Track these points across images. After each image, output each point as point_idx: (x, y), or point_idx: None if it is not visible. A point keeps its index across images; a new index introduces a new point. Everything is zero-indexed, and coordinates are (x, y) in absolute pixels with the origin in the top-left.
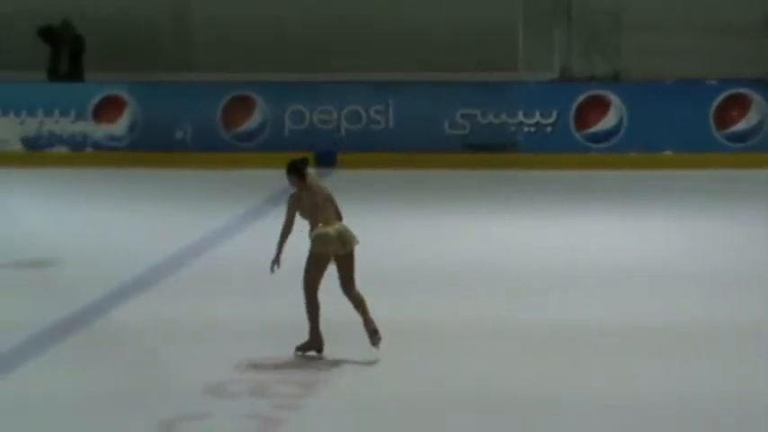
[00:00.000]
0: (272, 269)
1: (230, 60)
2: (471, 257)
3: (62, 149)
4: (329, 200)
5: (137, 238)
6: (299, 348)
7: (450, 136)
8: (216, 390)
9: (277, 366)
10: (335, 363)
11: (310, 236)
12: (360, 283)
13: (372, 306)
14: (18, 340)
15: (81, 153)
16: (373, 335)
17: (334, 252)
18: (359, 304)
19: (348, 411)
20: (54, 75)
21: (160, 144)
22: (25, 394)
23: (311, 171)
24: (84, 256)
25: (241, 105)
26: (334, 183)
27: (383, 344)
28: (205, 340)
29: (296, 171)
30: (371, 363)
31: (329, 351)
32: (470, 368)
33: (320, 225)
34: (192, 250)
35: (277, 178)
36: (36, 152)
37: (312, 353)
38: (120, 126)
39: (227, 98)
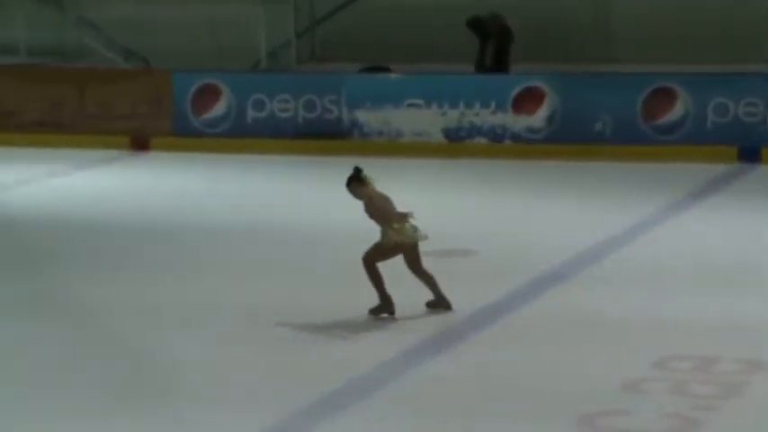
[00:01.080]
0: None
1: (652, 52)
2: None
3: (481, 141)
4: (389, 200)
5: (555, 229)
6: (371, 311)
7: None
8: (634, 386)
9: (697, 365)
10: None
11: (388, 230)
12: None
13: None
14: (444, 326)
15: (499, 145)
16: (444, 304)
17: (412, 242)
18: (429, 281)
19: None
20: (481, 67)
21: (578, 136)
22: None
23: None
24: (503, 247)
25: (663, 97)
26: (757, 179)
27: None
28: (622, 336)
29: (355, 179)
30: None
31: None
32: None
33: (395, 225)
34: (609, 243)
35: (698, 172)
36: (456, 143)
37: (384, 315)
38: (538, 118)
39: (649, 90)
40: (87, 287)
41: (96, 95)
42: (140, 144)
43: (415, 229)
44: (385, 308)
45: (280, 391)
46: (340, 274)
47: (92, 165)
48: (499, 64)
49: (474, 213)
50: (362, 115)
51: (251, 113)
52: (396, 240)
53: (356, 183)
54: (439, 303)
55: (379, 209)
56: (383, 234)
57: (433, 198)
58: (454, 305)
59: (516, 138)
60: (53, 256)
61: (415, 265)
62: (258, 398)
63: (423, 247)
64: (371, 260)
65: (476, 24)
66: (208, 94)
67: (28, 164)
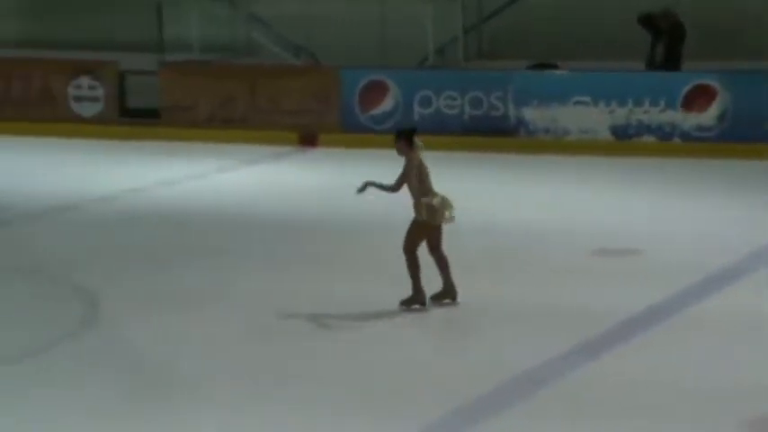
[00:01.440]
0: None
1: None
2: None
3: (649, 139)
4: (428, 175)
5: (725, 229)
6: (403, 303)
7: None
8: None
9: None
10: None
11: (419, 205)
12: None
13: None
14: (607, 327)
15: (668, 143)
16: (451, 294)
17: (438, 223)
18: (442, 263)
19: None
20: (652, 64)
21: (750, 135)
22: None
23: (419, 143)
24: (672, 245)
25: None
26: None
27: None
28: None
29: (405, 137)
30: None
31: None
32: None
33: (429, 196)
34: None
35: None
36: (624, 142)
37: (416, 306)
38: (709, 116)
39: None
40: (240, 281)
41: (266, 91)
42: (308, 140)
43: (447, 206)
44: (416, 299)
45: (443, 391)
46: (518, 270)
47: (260, 160)
48: (670, 61)
49: (642, 212)
50: (529, 112)
51: (417, 110)
52: (424, 218)
53: (406, 141)
54: (445, 294)
55: (417, 178)
56: (415, 209)
57: (600, 197)
58: (622, 305)
59: (686, 136)
60: (213, 249)
61: (435, 245)
62: (419, 398)
63: (594, 246)
64: (411, 247)
65: (647, 21)
66: (375, 91)
67: (199, 159)
